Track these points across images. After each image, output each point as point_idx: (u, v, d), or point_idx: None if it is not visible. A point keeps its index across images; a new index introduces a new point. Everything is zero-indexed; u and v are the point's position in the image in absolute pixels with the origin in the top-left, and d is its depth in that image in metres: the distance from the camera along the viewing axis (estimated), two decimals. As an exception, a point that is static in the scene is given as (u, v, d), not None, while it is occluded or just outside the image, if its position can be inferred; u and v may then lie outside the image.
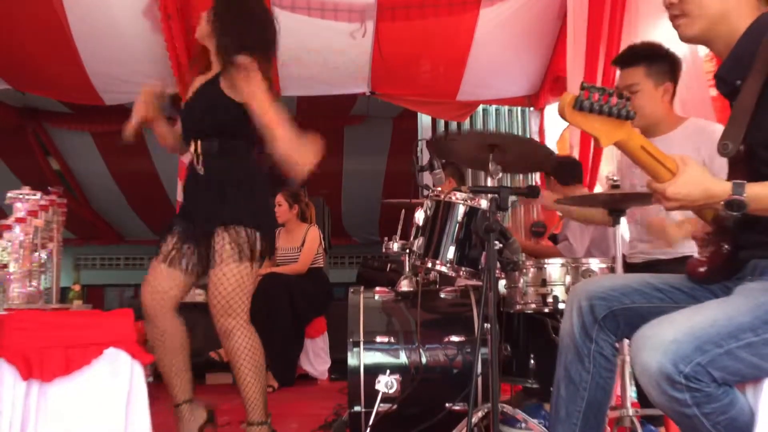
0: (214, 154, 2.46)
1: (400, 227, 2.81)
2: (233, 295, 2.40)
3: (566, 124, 5.10)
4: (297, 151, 2.28)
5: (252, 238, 2.41)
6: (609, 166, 3.99)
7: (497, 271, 2.21)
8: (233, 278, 2.39)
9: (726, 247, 1.50)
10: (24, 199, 2.49)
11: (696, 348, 1.25)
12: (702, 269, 1.56)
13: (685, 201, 1.34)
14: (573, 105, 1.29)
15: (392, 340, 2.55)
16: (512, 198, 2.16)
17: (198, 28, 2.54)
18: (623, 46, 3.84)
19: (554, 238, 3.93)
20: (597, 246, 3.43)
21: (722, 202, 1.31)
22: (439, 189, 2.54)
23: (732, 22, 1.46)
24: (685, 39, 1.55)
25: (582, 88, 1.29)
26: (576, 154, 4.39)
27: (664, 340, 1.27)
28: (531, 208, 6.50)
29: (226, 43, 2.40)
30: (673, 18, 1.53)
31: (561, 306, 2.28)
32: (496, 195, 2.12)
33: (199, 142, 2.48)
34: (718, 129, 2.47)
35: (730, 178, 1.43)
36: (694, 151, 2.26)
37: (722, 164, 1.52)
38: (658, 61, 2.47)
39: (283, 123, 2.30)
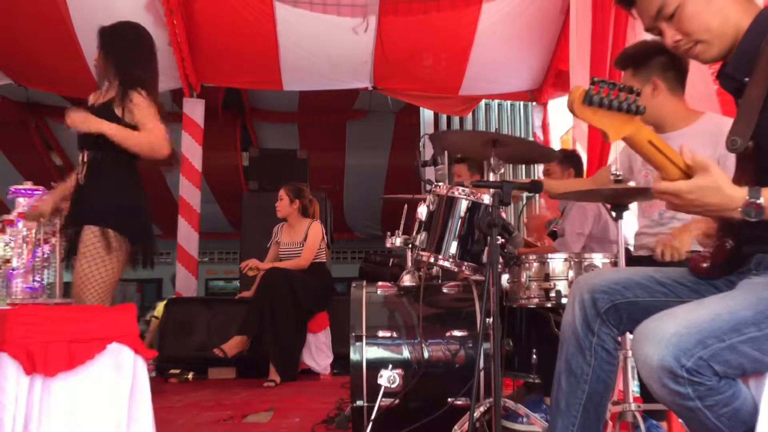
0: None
1: (402, 222, 2.80)
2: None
3: (570, 121, 5.11)
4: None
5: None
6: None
7: (500, 266, 2.20)
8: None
9: (729, 242, 1.49)
10: (26, 194, 2.50)
11: (698, 342, 1.24)
12: (705, 264, 1.55)
13: (697, 203, 1.30)
14: (582, 100, 1.28)
15: (394, 334, 2.55)
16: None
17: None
18: (629, 41, 3.82)
19: (554, 235, 3.92)
20: (598, 242, 3.42)
21: (739, 209, 1.28)
22: (442, 184, 2.53)
23: (732, 24, 1.46)
24: (709, 62, 1.54)
25: (592, 82, 1.28)
26: (584, 149, 4.38)
27: (666, 333, 1.26)
28: (533, 201, 6.49)
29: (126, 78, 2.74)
30: (687, 50, 1.51)
31: (564, 301, 2.27)
32: (499, 189, 2.11)
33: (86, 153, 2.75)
34: None
35: (737, 174, 1.41)
36: (711, 147, 2.23)
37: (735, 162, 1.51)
38: (643, 61, 2.45)
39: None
